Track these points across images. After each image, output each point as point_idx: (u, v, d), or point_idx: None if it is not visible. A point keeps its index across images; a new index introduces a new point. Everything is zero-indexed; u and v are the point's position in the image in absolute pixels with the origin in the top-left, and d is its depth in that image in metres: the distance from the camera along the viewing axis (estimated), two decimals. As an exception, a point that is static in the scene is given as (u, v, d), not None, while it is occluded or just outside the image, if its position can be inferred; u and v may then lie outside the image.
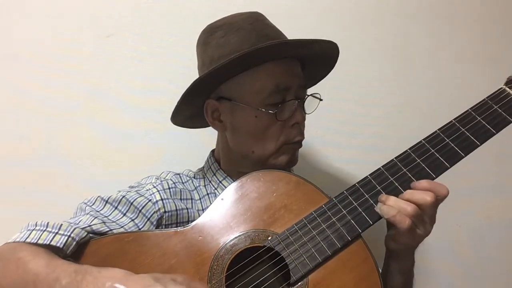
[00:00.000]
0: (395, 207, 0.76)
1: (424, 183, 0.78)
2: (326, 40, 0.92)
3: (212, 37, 0.94)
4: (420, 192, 0.77)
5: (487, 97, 0.83)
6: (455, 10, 1.41)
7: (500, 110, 0.80)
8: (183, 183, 0.99)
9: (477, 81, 1.39)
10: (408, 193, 0.78)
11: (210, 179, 1.01)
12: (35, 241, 0.73)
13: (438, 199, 0.77)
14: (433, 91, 1.40)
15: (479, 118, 0.80)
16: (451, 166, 0.79)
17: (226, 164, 1.01)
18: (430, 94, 1.40)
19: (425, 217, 0.78)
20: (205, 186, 1.00)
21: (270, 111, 0.89)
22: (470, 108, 0.82)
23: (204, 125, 1.09)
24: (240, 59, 0.84)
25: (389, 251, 0.86)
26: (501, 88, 0.83)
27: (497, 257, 1.37)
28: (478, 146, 0.79)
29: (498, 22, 1.41)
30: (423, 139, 0.82)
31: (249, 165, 0.95)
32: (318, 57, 0.98)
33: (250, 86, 0.91)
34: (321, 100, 0.97)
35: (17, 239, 0.74)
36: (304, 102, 0.95)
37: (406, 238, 0.78)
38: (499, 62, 1.40)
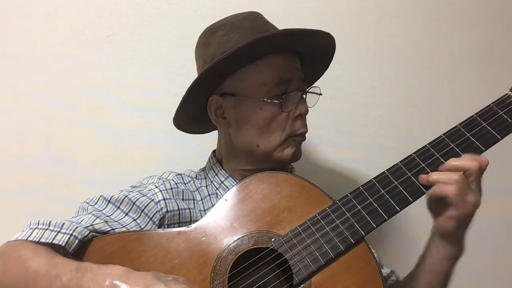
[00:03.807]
0: (440, 179, 0.77)
1: (466, 155, 0.79)
2: (325, 32, 0.93)
3: (213, 37, 0.94)
4: (466, 159, 0.78)
5: (492, 103, 0.83)
6: (455, 10, 1.41)
7: (506, 116, 0.81)
8: (185, 183, 0.99)
9: (477, 81, 1.40)
10: (452, 161, 0.78)
11: (211, 179, 1.01)
12: (37, 240, 0.73)
13: (482, 168, 0.78)
14: (433, 91, 1.40)
15: (484, 124, 0.81)
16: None
17: (229, 163, 1.01)
18: (430, 94, 1.40)
19: (472, 185, 0.77)
20: (206, 186, 1.00)
21: (275, 101, 0.90)
22: (475, 114, 0.83)
23: (203, 130, 1.10)
24: (243, 50, 0.84)
25: (442, 237, 0.84)
26: (507, 94, 0.83)
27: (497, 257, 1.37)
28: (483, 151, 0.80)
29: (499, 22, 1.41)
30: (428, 144, 0.82)
31: (254, 160, 0.95)
32: (316, 52, 0.99)
33: (253, 80, 0.91)
34: (320, 94, 0.98)
35: (19, 238, 0.74)
36: (305, 94, 0.95)
37: (460, 209, 0.77)
38: (499, 62, 1.41)
